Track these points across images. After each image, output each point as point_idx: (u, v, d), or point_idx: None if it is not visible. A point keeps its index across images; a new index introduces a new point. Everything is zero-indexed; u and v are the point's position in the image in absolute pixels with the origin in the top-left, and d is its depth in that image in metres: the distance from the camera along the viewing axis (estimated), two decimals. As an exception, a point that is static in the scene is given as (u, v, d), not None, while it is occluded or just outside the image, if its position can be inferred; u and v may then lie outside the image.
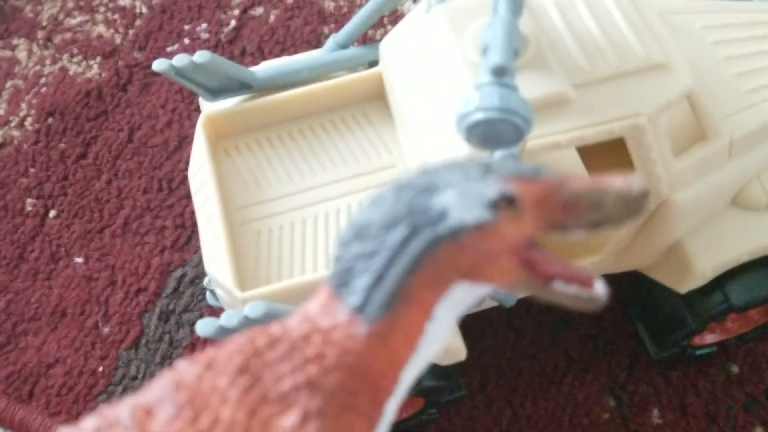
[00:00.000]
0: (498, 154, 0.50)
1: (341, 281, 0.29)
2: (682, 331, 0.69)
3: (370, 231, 0.29)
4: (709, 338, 0.74)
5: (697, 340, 0.73)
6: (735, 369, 0.77)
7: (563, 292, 0.29)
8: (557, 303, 0.30)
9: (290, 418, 0.26)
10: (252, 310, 0.51)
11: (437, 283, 0.29)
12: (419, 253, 0.28)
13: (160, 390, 0.27)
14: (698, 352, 0.75)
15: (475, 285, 0.29)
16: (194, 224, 0.88)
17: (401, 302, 0.28)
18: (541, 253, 0.29)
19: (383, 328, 0.28)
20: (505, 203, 0.28)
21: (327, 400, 0.27)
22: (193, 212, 0.89)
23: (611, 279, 0.72)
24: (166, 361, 0.81)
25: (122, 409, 0.27)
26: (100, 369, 0.82)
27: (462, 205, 0.28)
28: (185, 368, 0.28)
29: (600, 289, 0.29)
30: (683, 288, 0.64)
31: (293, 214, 0.64)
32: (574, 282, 0.29)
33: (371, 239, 0.29)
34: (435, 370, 0.64)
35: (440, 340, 0.30)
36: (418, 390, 0.64)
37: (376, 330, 0.28)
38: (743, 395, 0.76)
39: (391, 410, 0.30)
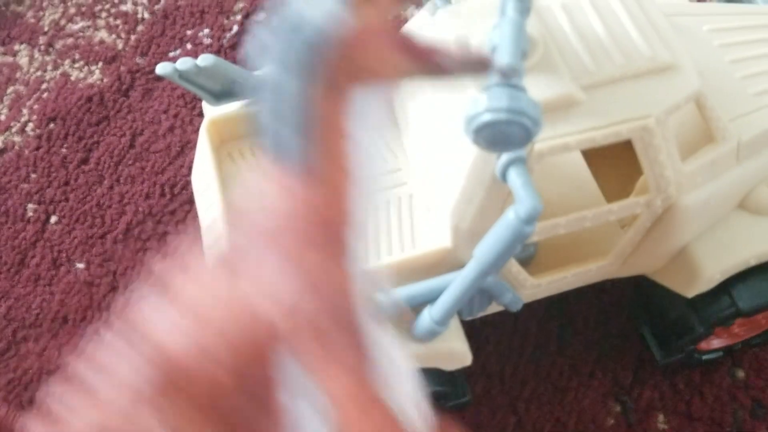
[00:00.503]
0: (505, 156, 0.49)
1: (274, 147, 0.30)
2: (689, 335, 0.68)
3: (265, 86, 0.29)
4: (716, 343, 0.74)
5: (703, 345, 0.73)
6: (741, 374, 0.77)
7: (452, 62, 0.31)
8: (454, 76, 0.31)
9: (266, 278, 0.29)
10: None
11: (332, 94, 0.28)
12: (297, 69, 0.27)
13: (148, 294, 0.31)
14: (704, 357, 0.74)
15: (369, 86, 0.29)
16: (196, 230, 0.88)
17: (310, 126, 0.28)
18: (413, 36, 0.30)
19: (310, 164, 0.29)
20: None
21: (288, 252, 0.29)
22: (195, 217, 0.88)
23: (616, 283, 0.73)
24: (168, 367, 0.81)
25: (121, 322, 0.31)
26: (102, 375, 0.81)
27: (313, 5, 0.28)
28: (168, 277, 0.31)
29: (479, 48, 0.31)
30: (690, 292, 0.64)
31: (297, 218, 0.63)
32: (455, 51, 0.30)
33: (268, 92, 0.29)
34: (440, 376, 0.63)
35: (372, 162, 0.31)
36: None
37: (307, 169, 0.29)
38: (749, 400, 0.75)
39: (355, 241, 0.31)
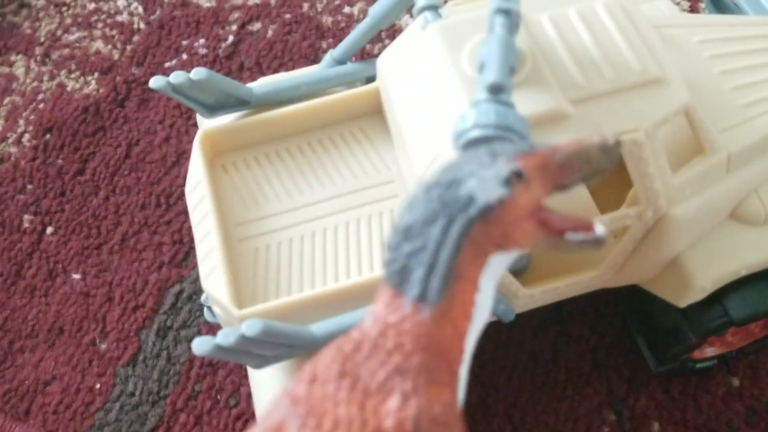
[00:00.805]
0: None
1: (400, 279, 0.34)
2: (682, 345, 0.68)
3: (415, 230, 0.33)
4: (709, 351, 0.74)
5: (697, 354, 0.73)
6: (735, 382, 0.77)
7: (574, 240, 0.34)
8: (571, 251, 0.35)
9: (393, 401, 0.31)
10: (249, 328, 0.51)
11: (478, 258, 0.34)
12: (459, 237, 0.33)
13: (281, 409, 0.32)
14: (698, 366, 0.75)
15: (506, 252, 0.34)
16: (192, 240, 0.88)
17: (453, 282, 0.33)
18: (551, 212, 0.35)
19: (444, 308, 0.33)
20: (516, 177, 0.33)
21: (416, 379, 0.32)
22: (190, 228, 0.89)
23: (610, 293, 0.73)
24: (164, 377, 0.81)
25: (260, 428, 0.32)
26: (98, 386, 0.81)
27: (483, 188, 0.33)
28: (294, 386, 0.33)
29: (600, 229, 0.35)
30: (682, 302, 0.64)
31: (291, 231, 0.64)
32: (580, 230, 0.34)
33: (417, 237, 0.33)
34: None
35: (487, 307, 0.36)
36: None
37: (439, 311, 0.33)
38: (744, 408, 0.76)
39: (464, 376, 0.35)
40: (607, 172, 0.34)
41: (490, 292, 0.35)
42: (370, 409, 0.31)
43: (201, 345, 0.52)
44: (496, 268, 0.35)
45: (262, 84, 0.69)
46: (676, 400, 0.76)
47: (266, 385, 0.63)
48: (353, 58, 0.73)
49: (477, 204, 0.33)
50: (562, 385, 0.78)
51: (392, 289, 0.34)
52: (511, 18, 0.46)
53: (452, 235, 0.33)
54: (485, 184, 0.33)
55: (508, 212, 0.33)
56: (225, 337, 0.51)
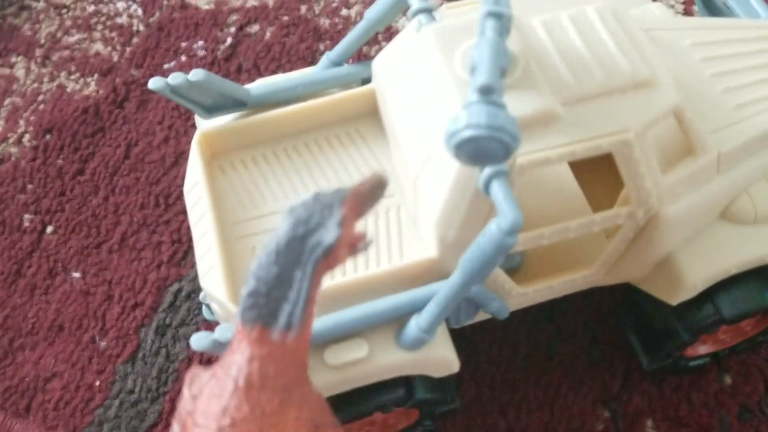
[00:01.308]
0: (487, 170, 0.51)
1: (270, 317, 0.42)
2: (674, 342, 0.69)
3: (282, 279, 0.42)
4: (702, 349, 0.75)
5: (689, 352, 0.74)
6: (728, 380, 0.78)
7: (361, 248, 0.45)
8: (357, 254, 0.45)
9: (292, 412, 0.42)
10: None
11: (318, 282, 0.43)
12: (313, 273, 0.43)
13: None
14: (691, 364, 0.75)
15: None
16: (191, 239, 0.89)
17: (308, 306, 0.43)
18: (355, 235, 0.45)
19: (301, 329, 0.43)
20: (343, 219, 0.43)
21: (302, 389, 0.43)
22: (189, 227, 0.89)
23: (604, 291, 0.74)
24: (163, 375, 0.82)
25: None
26: (97, 383, 0.82)
27: (326, 233, 0.42)
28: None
29: (368, 238, 0.45)
30: (674, 300, 0.65)
31: (288, 230, 0.65)
32: (361, 240, 0.45)
33: (286, 282, 0.42)
34: (429, 382, 0.64)
35: None
36: (413, 402, 0.65)
37: (299, 332, 0.43)
38: (736, 405, 0.76)
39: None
40: (379, 201, 0.45)
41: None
42: (280, 425, 0.41)
43: (199, 341, 0.53)
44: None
45: (259, 85, 0.70)
46: (670, 398, 0.77)
47: None
48: (349, 60, 0.74)
49: (323, 246, 0.42)
50: (557, 382, 0.79)
51: (260, 329, 0.42)
52: (501, 21, 0.47)
53: (308, 273, 0.42)
54: (327, 230, 0.42)
55: (341, 244, 0.43)
56: (223, 333, 0.52)
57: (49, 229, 0.92)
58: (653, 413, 0.77)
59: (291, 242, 0.43)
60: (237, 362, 0.42)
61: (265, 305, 0.42)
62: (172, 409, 0.80)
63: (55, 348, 0.84)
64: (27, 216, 0.93)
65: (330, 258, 0.43)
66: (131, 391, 0.81)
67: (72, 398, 0.82)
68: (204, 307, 0.75)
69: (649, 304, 0.69)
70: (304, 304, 0.42)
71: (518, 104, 0.51)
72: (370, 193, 0.45)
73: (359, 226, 0.49)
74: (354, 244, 0.45)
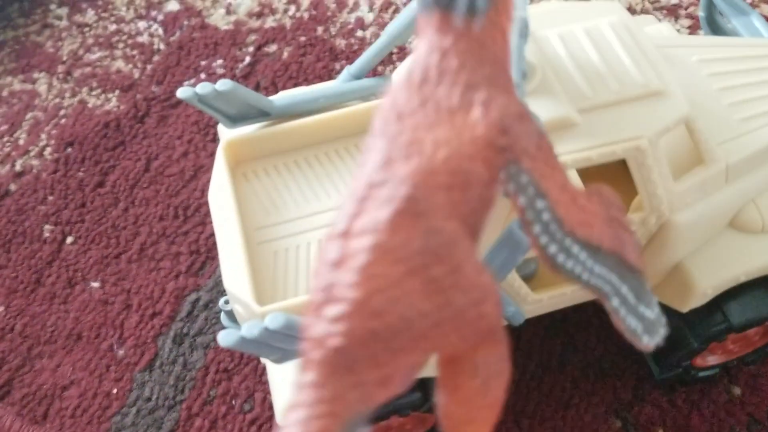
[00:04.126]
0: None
1: (446, 3, 0.36)
2: (684, 350, 0.71)
3: None
4: (711, 360, 0.76)
5: (699, 362, 0.75)
6: (737, 391, 0.79)
7: None
8: None
9: (476, 111, 0.35)
10: (272, 321, 0.53)
11: None
12: None
13: (382, 144, 0.36)
14: (701, 374, 0.77)
15: None
16: (208, 250, 0.91)
17: None
18: None
19: (491, 16, 0.37)
20: None
21: (488, 89, 0.36)
22: (207, 239, 0.91)
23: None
24: (180, 383, 0.83)
25: (363, 176, 0.35)
26: (115, 391, 0.83)
27: None
28: (384, 126, 0.36)
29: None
30: (684, 307, 0.67)
31: (309, 235, 0.67)
32: None
33: None
34: (445, 387, 0.65)
35: (519, 3, 0.40)
36: (430, 407, 0.66)
37: (488, 19, 0.37)
38: (745, 416, 0.78)
39: (515, 75, 0.41)
40: None
41: None
42: (458, 124, 0.35)
43: (226, 337, 0.54)
44: None
45: (282, 97, 0.73)
46: (680, 408, 0.78)
47: (286, 383, 0.65)
48: (369, 74, 0.77)
49: None
50: (569, 393, 0.80)
51: (439, 14, 0.36)
52: (521, 25, 0.50)
53: None
54: None
55: None
56: (249, 330, 0.54)
57: (69, 239, 0.94)
58: (664, 423, 0.78)
59: None
60: (415, 55, 0.36)
61: None
62: (189, 417, 0.81)
63: (73, 356, 0.86)
64: (47, 227, 0.95)
65: None
66: (148, 399, 0.82)
67: (89, 406, 0.83)
68: (223, 315, 0.76)
69: (659, 313, 0.71)
70: None
71: (537, 111, 0.53)
72: None
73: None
74: None
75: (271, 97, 0.72)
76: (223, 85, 0.66)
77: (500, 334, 0.37)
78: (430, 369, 0.63)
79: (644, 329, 0.38)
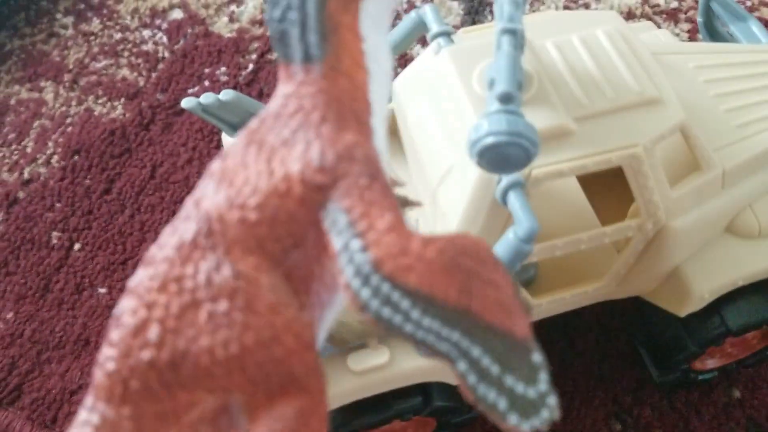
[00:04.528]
0: (504, 181, 0.54)
1: (283, 49, 0.35)
2: (683, 354, 0.71)
3: None
4: (710, 363, 0.77)
5: (698, 365, 0.76)
6: (737, 393, 0.80)
7: None
8: None
9: (297, 149, 0.33)
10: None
11: (348, 3, 0.35)
12: None
13: (201, 183, 0.35)
14: (700, 377, 0.77)
15: None
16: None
17: (331, 33, 0.35)
18: None
19: (331, 61, 0.35)
20: None
21: (318, 129, 0.34)
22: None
23: (615, 307, 0.76)
24: (186, 387, 0.84)
25: (182, 211, 0.34)
26: (122, 395, 0.84)
27: None
28: (212, 165, 0.35)
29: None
30: (683, 311, 0.67)
31: (311, 242, 0.68)
32: None
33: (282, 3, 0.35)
34: (447, 391, 0.66)
35: (384, 60, 0.37)
36: (431, 410, 0.67)
37: (327, 65, 0.35)
38: (745, 419, 0.78)
39: (379, 127, 0.36)
40: None
41: (380, 42, 0.36)
42: (277, 161, 0.33)
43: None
44: (375, 13, 0.36)
45: (284, 105, 0.74)
46: (680, 411, 0.79)
47: None
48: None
49: None
50: (570, 396, 0.80)
51: (282, 63, 0.35)
52: (516, 37, 0.51)
53: None
54: None
55: None
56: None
57: (77, 246, 0.95)
58: (664, 425, 0.78)
59: None
60: (268, 104, 0.35)
61: (273, 34, 0.35)
62: (195, 419, 0.82)
63: (81, 361, 0.87)
64: (55, 233, 0.96)
65: None
66: (154, 403, 0.83)
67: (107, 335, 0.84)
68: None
69: (657, 316, 0.72)
70: (319, 28, 0.34)
71: (533, 120, 0.54)
72: None
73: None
74: None
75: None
76: (227, 95, 0.68)
77: (308, 387, 0.32)
78: (433, 374, 0.64)
79: (510, 406, 0.30)
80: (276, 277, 0.33)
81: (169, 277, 0.32)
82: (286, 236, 0.33)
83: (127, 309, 0.32)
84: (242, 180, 0.33)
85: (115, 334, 0.32)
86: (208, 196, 0.34)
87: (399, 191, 0.42)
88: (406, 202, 0.48)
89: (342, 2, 0.35)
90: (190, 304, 0.31)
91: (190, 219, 0.33)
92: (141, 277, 0.32)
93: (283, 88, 0.35)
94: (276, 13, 0.35)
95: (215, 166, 0.35)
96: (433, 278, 0.30)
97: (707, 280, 0.66)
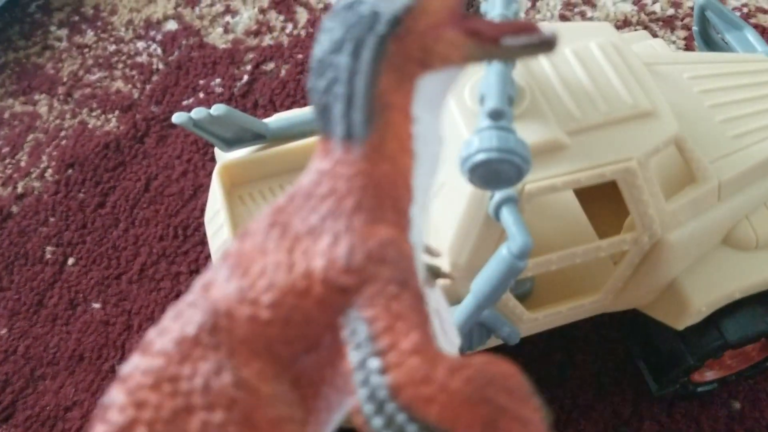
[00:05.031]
0: (497, 196, 0.53)
1: (324, 122, 0.31)
2: (681, 367, 0.71)
3: (324, 63, 0.31)
4: (710, 375, 0.76)
5: (697, 377, 0.75)
6: (737, 405, 0.79)
7: (516, 44, 0.31)
8: (516, 57, 0.32)
9: (323, 242, 0.29)
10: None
11: (402, 82, 0.31)
12: (372, 59, 0.30)
13: (212, 266, 0.31)
14: (699, 389, 0.77)
15: (437, 71, 0.31)
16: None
17: (378, 112, 0.31)
18: (480, 20, 0.31)
19: (374, 143, 0.31)
20: None
21: (350, 219, 0.30)
22: (207, 258, 0.92)
23: (612, 319, 0.75)
24: (180, 403, 0.83)
25: (188, 294, 0.31)
26: (116, 411, 0.84)
27: (386, 0, 0.30)
28: (228, 245, 0.31)
29: (546, 29, 0.31)
30: (680, 325, 0.67)
31: (305, 257, 0.67)
32: (521, 32, 0.31)
33: (328, 69, 0.31)
34: None
35: (434, 140, 0.33)
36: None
37: (370, 146, 0.31)
38: (744, 431, 0.77)
39: (418, 216, 0.32)
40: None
41: (433, 123, 0.33)
42: (299, 252, 0.29)
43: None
44: (431, 92, 0.32)
45: (277, 119, 0.73)
46: (680, 423, 0.78)
47: None
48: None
49: (383, 18, 0.30)
50: (568, 409, 0.80)
51: (322, 137, 0.31)
52: None
53: (364, 59, 0.30)
54: None
55: (421, 21, 0.30)
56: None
57: (71, 261, 0.95)
58: (663, 438, 0.78)
59: (334, 16, 0.31)
60: (300, 179, 0.31)
61: (315, 103, 0.31)
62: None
63: (75, 377, 0.86)
64: (49, 248, 0.96)
65: (408, 42, 0.30)
66: (149, 419, 0.83)
67: (92, 427, 0.83)
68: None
69: (655, 329, 0.71)
70: (367, 106, 0.30)
71: (526, 134, 0.54)
72: None
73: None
74: (479, 30, 0.31)
75: (265, 120, 0.73)
76: (218, 109, 0.67)
77: None
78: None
79: None
80: (281, 384, 0.29)
81: (164, 376, 0.29)
82: (298, 339, 0.29)
83: (115, 403, 0.29)
84: (258, 270, 0.30)
85: (100, 428, 0.29)
86: (219, 283, 0.30)
87: (432, 262, 0.38)
88: (438, 274, 0.45)
89: (395, 80, 0.31)
90: (182, 409, 0.28)
91: (196, 307, 0.30)
92: (134, 367, 0.29)
93: (319, 164, 0.31)
94: (320, 84, 0.31)
95: (232, 246, 0.31)
96: (456, 412, 0.27)
97: (705, 293, 0.65)
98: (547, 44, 0.31)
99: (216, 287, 0.30)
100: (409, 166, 0.32)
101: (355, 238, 0.29)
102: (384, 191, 0.31)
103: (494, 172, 0.46)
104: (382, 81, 0.30)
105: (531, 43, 0.31)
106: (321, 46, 0.31)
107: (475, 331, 0.64)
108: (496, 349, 0.72)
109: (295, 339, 0.29)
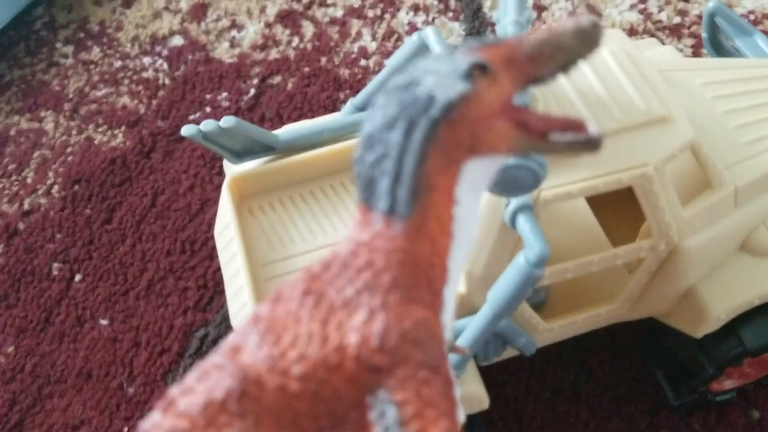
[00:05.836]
0: (513, 204, 0.52)
1: (367, 194, 0.31)
2: (700, 376, 0.69)
3: (375, 138, 0.31)
4: (728, 384, 0.75)
5: (715, 386, 0.74)
6: (756, 414, 0.78)
7: (562, 140, 0.31)
8: (560, 153, 0.32)
9: (358, 317, 0.29)
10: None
11: (449, 164, 0.31)
12: (423, 140, 0.30)
13: (242, 329, 0.31)
14: (718, 398, 0.75)
15: (483, 158, 0.32)
16: (216, 285, 0.91)
17: (423, 192, 0.31)
18: (531, 112, 0.32)
19: (416, 221, 0.31)
20: (478, 70, 0.31)
21: (386, 296, 0.29)
22: (214, 273, 0.91)
23: (628, 328, 0.74)
24: (190, 420, 0.82)
25: (215, 355, 0.30)
26: (125, 429, 0.82)
27: (443, 86, 0.30)
28: (258, 307, 0.31)
29: (593, 128, 0.31)
30: (698, 333, 0.66)
31: (316, 270, 0.66)
32: (568, 129, 0.31)
33: (378, 144, 0.31)
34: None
35: (472, 225, 0.33)
36: None
37: (411, 224, 0.31)
38: (765, 441, 0.76)
39: (450, 299, 0.32)
40: (585, 57, 0.31)
41: (473, 206, 0.33)
42: (333, 325, 0.29)
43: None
44: (475, 177, 0.32)
45: (286, 131, 0.73)
46: (697, 434, 0.77)
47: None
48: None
49: (437, 103, 0.30)
50: (584, 420, 0.78)
51: (363, 206, 0.32)
52: (523, 29, 0.50)
53: (415, 139, 0.30)
54: (444, 81, 0.30)
55: (474, 110, 0.31)
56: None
57: (78, 277, 0.94)
58: (682, 450, 0.76)
59: (390, 93, 0.31)
60: (338, 246, 0.32)
61: (361, 175, 0.31)
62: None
63: (83, 395, 0.85)
64: (56, 265, 0.95)
65: (459, 128, 0.30)
66: (158, 436, 0.82)
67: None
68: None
69: (672, 338, 0.70)
70: (413, 186, 0.30)
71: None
72: (551, 41, 0.31)
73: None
74: (528, 123, 0.31)
75: (275, 131, 0.73)
76: (227, 122, 0.67)
77: None
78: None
79: None
80: None
81: None
82: (325, 415, 0.29)
83: None
84: (290, 339, 0.29)
85: None
86: (250, 348, 0.30)
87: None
88: (454, 349, 0.45)
89: (443, 162, 0.31)
90: None
91: (224, 370, 0.29)
92: (156, 426, 0.29)
93: (358, 234, 0.31)
94: (369, 157, 0.31)
95: (264, 310, 0.31)
96: None
97: (723, 300, 0.64)
98: (592, 144, 0.31)
99: (246, 352, 0.30)
100: (447, 248, 0.32)
101: (391, 316, 0.29)
102: (421, 270, 0.31)
103: (511, 179, 0.46)
104: (430, 162, 0.31)
105: (577, 141, 0.31)
106: (373, 122, 0.31)
107: (491, 342, 0.63)
108: (510, 362, 0.71)
109: (321, 414, 0.29)
